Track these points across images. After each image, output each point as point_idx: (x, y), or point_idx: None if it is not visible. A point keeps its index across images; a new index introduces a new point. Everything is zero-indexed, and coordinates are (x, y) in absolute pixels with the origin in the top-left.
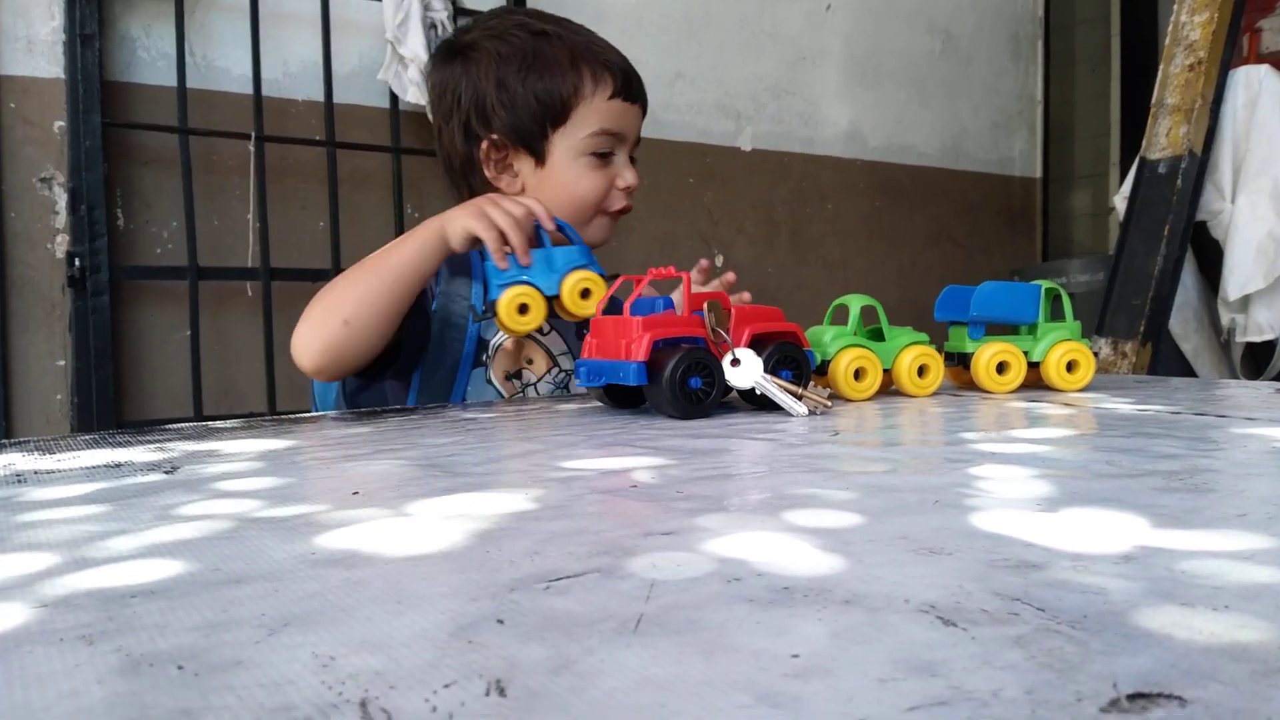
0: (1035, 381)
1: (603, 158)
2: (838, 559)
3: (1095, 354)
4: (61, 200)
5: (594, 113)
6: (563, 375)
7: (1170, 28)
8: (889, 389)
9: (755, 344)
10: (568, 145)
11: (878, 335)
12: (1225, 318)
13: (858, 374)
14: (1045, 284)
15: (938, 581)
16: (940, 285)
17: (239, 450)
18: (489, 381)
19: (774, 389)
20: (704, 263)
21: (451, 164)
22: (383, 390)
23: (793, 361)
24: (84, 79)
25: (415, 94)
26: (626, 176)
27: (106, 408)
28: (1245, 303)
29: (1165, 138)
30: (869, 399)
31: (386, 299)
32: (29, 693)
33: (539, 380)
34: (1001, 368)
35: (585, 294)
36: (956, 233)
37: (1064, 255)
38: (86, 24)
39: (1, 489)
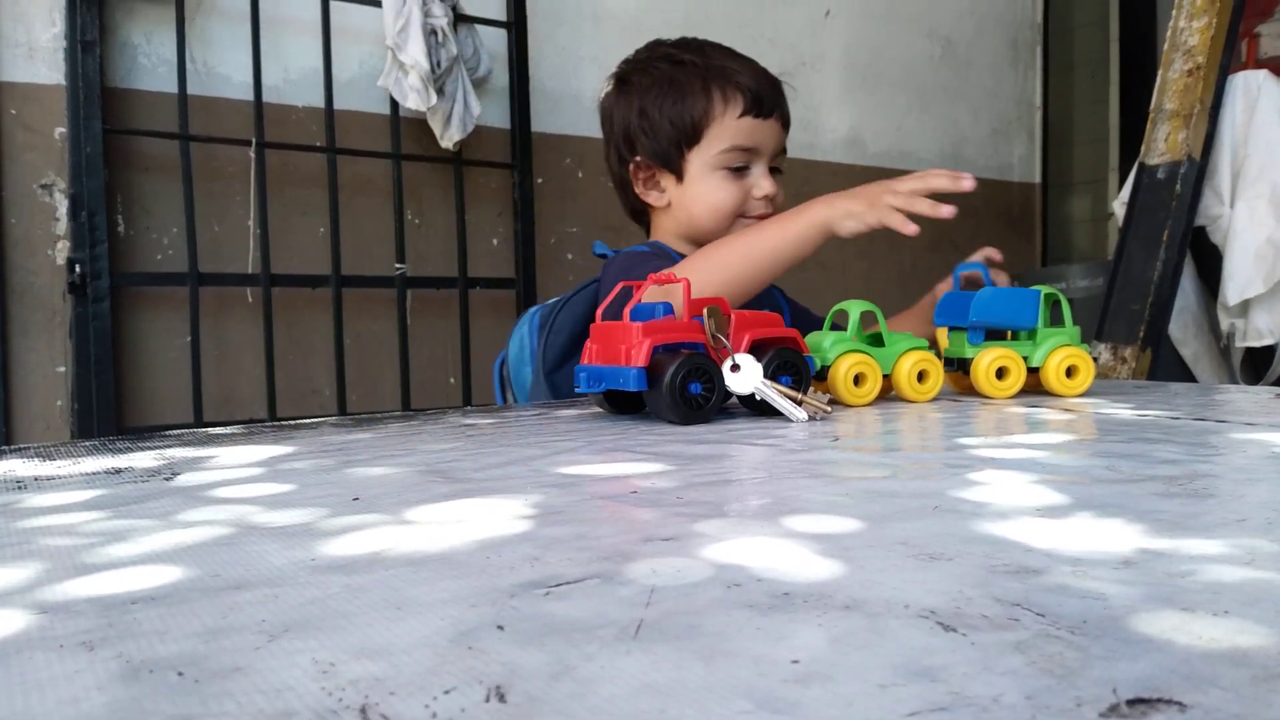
0: (1035, 387)
1: (737, 171)
2: (837, 564)
3: (1095, 359)
4: (62, 206)
5: (725, 131)
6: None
7: (1169, 33)
8: (889, 394)
9: (755, 349)
10: (702, 161)
11: (877, 340)
12: (1225, 323)
13: (857, 379)
14: (1045, 289)
15: (938, 587)
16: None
17: (239, 456)
18: None
19: (774, 394)
20: (992, 253)
21: (614, 181)
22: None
23: (792, 367)
24: (85, 85)
25: (415, 100)
26: (763, 185)
27: (107, 414)
28: (1245, 308)
29: (1164, 143)
30: (869, 404)
31: (754, 284)
32: (29, 699)
33: None
34: (1001, 373)
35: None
36: (956, 238)
37: (1063, 260)
38: (87, 30)
39: (1, 495)
